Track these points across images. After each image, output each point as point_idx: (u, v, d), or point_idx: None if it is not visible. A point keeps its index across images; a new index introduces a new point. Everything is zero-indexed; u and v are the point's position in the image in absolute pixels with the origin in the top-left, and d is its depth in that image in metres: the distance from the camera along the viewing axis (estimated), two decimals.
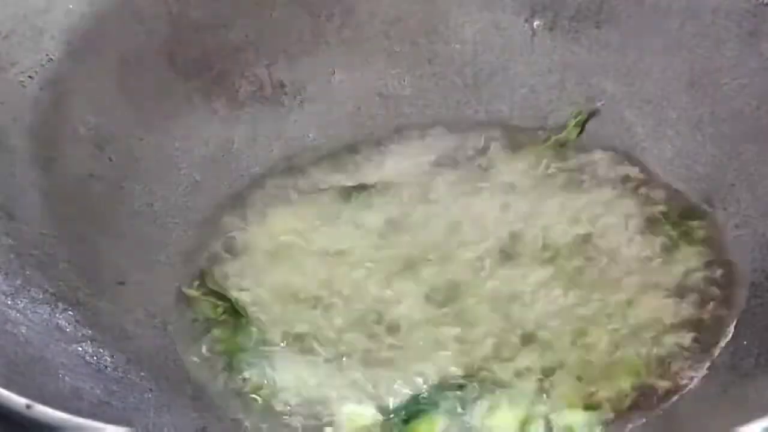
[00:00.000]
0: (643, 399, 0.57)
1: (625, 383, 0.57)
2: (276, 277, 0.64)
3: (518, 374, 0.58)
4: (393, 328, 0.61)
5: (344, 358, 0.60)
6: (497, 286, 0.63)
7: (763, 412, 0.43)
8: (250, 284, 0.64)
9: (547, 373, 0.58)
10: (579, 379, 0.58)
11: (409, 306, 0.62)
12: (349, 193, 0.70)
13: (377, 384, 0.58)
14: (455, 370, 0.58)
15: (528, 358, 0.59)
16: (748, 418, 0.43)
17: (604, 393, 0.57)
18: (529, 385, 0.57)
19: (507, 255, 0.64)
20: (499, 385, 0.57)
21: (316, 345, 0.60)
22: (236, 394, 0.58)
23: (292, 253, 0.66)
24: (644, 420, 0.56)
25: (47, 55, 0.65)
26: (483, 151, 0.72)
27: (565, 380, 0.58)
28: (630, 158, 0.70)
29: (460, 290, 0.63)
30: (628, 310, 0.61)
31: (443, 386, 0.58)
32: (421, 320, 0.61)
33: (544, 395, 0.57)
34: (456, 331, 0.61)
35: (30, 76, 0.64)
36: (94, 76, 0.67)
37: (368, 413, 0.57)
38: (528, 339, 0.60)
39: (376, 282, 0.64)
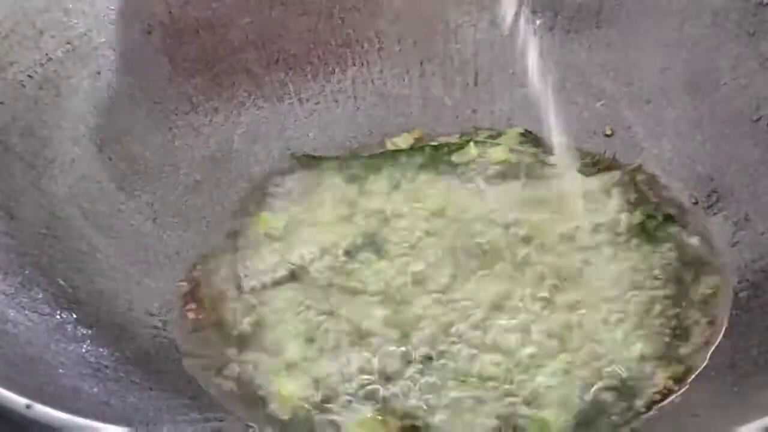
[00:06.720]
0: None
1: None
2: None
3: None
4: None
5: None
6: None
7: (763, 412, 0.43)
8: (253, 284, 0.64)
9: None
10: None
11: None
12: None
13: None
14: None
15: None
16: (748, 418, 0.43)
17: None
18: None
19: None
20: None
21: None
22: (235, 393, 0.58)
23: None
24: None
25: (47, 55, 0.65)
26: None
27: None
28: (629, 158, 0.70)
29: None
30: (619, 307, 0.61)
31: None
32: None
33: None
34: None
35: (30, 76, 0.64)
36: (94, 76, 0.67)
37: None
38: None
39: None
